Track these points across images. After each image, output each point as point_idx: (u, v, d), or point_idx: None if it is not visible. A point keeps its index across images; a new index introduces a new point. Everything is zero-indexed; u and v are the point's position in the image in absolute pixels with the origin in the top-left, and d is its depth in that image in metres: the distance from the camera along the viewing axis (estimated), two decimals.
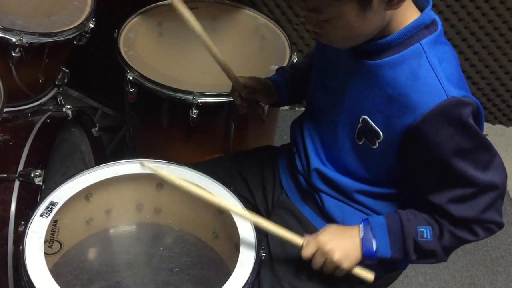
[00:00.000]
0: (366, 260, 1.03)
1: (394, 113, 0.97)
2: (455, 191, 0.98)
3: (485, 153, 0.97)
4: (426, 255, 1.03)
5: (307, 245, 1.03)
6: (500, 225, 1.02)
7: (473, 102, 0.94)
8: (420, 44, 0.95)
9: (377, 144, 1.02)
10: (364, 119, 1.03)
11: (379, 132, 1.01)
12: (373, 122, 1.01)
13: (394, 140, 0.99)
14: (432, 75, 0.93)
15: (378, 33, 0.97)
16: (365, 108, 1.03)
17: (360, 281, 1.15)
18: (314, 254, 1.03)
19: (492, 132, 2.52)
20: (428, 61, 0.94)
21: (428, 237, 1.01)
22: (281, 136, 2.20)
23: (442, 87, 0.92)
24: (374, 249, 1.02)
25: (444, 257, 1.04)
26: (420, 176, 1.03)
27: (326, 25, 0.95)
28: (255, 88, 1.25)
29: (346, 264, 1.02)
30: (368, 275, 1.04)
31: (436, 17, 1.00)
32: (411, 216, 1.03)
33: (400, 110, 0.96)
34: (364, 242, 1.02)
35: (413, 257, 1.03)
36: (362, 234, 1.03)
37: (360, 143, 1.06)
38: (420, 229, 1.01)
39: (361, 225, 1.04)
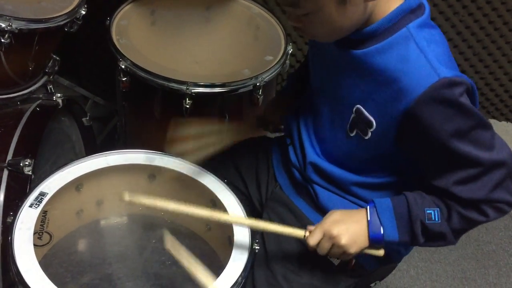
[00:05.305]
0: (373, 244, 1.01)
1: (386, 99, 0.95)
2: (458, 173, 0.96)
3: (485, 132, 0.95)
4: (434, 237, 1.00)
5: (312, 233, 1.01)
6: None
7: (466, 81, 0.92)
8: (407, 28, 0.94)
9: (369, 134, 1.01)
10: (357, 108, 1.01)
11: (371, 121, 0.99)
12: (366, 111, 1.00)
13: (389, 127, 0.97)
14: (421, 58, 0.91)
15: (362, 24, 0.95)
16: (358, 97, 1.01)
17: (353, 274, 1.15)
18: (320, 241, 1.00)
19: (498, 129, 2.49)
20: (416, 44, 0.92)
21: (436, 219, 0.98)
22: None
23: (433, 68, 0.90)
24: (382, 233, 0.99)
25: (453, 239, 1.01)
26: (421, 161, 1.01)
27: (306, 19, 0.93)
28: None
29: (353, 249, 1.00)
30: (378, 251, 1.03)
31: (424, 1, 0.97)
32: (418, 198, 1.00)
33: (392, 95, 0.94)
34: (371, 226, 1.00)
35: (421, 240, 1.00)
36: (369, 217, 1.00)
37: (352, 134, 1.04)
38: (428, 211, 0.98)
39: (368, 208, 1.02)
